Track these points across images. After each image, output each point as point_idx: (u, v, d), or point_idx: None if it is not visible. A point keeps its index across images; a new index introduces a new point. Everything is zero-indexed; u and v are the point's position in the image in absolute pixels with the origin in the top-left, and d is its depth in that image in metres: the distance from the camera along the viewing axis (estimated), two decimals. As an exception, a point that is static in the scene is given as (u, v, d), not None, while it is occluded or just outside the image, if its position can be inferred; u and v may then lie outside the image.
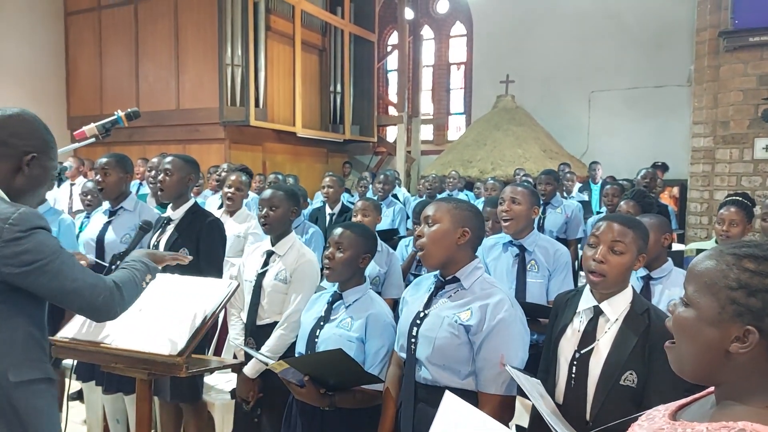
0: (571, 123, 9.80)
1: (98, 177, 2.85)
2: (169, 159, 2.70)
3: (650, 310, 1.58)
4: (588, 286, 1.66)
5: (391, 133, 11.74)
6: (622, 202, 3.04)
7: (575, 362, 1.59)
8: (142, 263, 1.57)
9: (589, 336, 1.59)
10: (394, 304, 3.00)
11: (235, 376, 2.76)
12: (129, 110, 2.46)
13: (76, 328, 1.65)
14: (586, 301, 1.64)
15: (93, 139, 2.38)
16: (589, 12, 9.59)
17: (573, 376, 1.58)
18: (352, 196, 6.75)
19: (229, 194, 3.40)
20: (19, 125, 1.41)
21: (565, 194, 5.68)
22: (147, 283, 1.57)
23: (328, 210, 4.71)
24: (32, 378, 1.37)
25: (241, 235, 3.38)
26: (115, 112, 2.43)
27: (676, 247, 3.58)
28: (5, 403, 1.32)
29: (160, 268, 1.65)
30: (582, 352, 1.58)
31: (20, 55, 8.27)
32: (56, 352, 1.66)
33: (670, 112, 9.02)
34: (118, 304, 1.43)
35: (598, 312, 1.61)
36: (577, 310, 1.65)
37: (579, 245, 4.15)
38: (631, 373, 1.51)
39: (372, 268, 2.99)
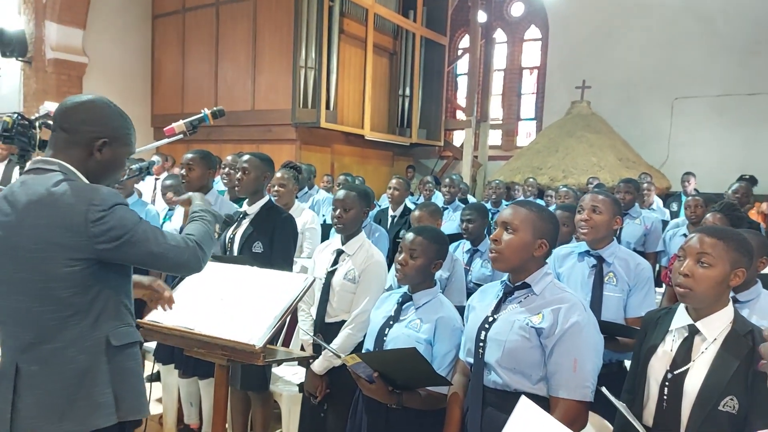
0: (651, 131, 9.35)
1: (183, 171, 2.98)
2: (246, 157, 2.80)
3: (754, 332, 1.46)
4: (683, 304, 1.57)
5: (458, 138, 11.64)
6: (708, 215, 2.84)
7: (667, 383, 1.50)
8: (210, 213, 1.69)
9: (682, 356, 1.50)
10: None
11: (301, 369, 2.82)
12: (215, 108, 2.56)
13: (162, 312, 1.75)
14: (681, 319, 1.55)
15: (181, 135, 2.50)
16: (677, 15, 9.11)
17: (665, 398, 1.50)
18: (417, 198, 6.72)
19: (273, 192, 3.47)
20: (90, 112, 1.49)
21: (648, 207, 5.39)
22: (218, 233, 1.70)
23: (390, 212, 4.74)
24: (128, 342, 1.49)
25: (299, 231, 3.37)
26: (202, 110, 2.53)
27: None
28: (101, 365, 1.43)
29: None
30: (675, 372, 1.49)
31: (111, 55, 8.83)
32: (143, 334, 1.75)
33: (763, 121, 8.43)
34: (202, 258, 1.56)
35: (693, 331, 1.51)
36: (670, 329, 1.56)
37: (657, 258, 3.94)
38: (731, 399, 1.40)
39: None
